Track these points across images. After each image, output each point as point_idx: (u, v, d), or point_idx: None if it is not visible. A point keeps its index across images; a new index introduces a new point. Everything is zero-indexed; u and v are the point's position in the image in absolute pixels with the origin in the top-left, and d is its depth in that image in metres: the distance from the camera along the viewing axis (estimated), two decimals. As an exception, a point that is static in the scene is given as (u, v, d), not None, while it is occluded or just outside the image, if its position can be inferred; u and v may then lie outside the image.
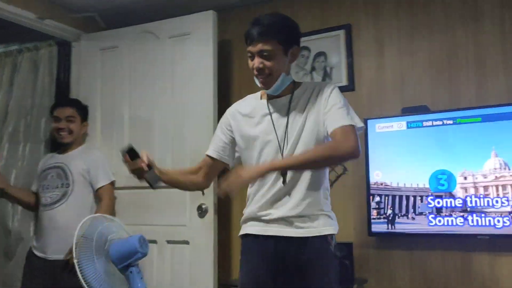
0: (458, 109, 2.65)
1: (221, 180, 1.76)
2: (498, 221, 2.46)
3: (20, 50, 3.60)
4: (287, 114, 1.84)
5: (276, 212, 1.81)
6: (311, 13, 3.19)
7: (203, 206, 2.97)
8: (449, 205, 2.58)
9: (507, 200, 2.46)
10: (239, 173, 1.69)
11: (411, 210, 2.67)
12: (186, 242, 3.01)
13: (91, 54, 3.44)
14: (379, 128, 2.78)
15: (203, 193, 1.99)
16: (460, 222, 2.54)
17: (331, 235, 1.84)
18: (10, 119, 3.51)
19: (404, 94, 2.89)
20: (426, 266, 2.73)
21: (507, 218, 2.44)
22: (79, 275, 2.09)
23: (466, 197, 2.55)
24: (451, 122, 2.62)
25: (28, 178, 3.23)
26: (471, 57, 2.75)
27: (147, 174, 1.85)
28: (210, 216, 2.95)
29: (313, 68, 3.16)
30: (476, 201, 2.52)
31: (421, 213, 2.64)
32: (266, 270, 1.81)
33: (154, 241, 3.05)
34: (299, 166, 1.75)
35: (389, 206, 2.71)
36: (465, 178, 2.56)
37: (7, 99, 3.57)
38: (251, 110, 1.91)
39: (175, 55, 3.19)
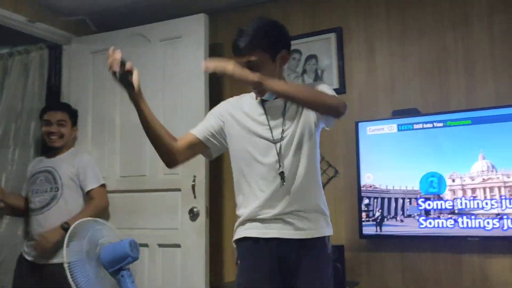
0: (448, 112, 2.67)
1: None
2: (488, 223, 2.48)
3: (11, 53, 3.58)
4: (283, 114, 1.85)
5: (273, 210, 1.80)
6: (303, 16, 3.21)
7: (195, 210, 2.96)
8: (439, 207, 2.60)
9: (496, 202, 2.48)
10: (229, 63, 1.68)
11: (399, 212, 2.68)
12: (178, 246, 3.00)
13: (82, 57, 3.43)
14: (370, 130, 2.80)
15: (168, 166, 1.91)
16: (451, 224, 2.56)
17: (328, 236, 1.86)
18: (0, 123, 3.49)
19: (395, 97, 2.91)
20: (417, 268, 2.75)
21: (497, 220, 2.46)
22: (70, 279, 2.08)
23: (454, 199, 2.57)
24: (441, 124, 2.64)
25: (18, 182, 3.21)
26: (460, 61, 2.78)
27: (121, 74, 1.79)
28: (202, 219, 2.95)
29: (304, 71, 3.17)
30: (466, 203, 2.54)
31: (409, 216, 2.66)
32: (267, 274, 1.79)
33: (146, 245, 3.03)
34: (287, 95, 1.75)
35: (377, 209, 2.72)
36: (453, 180, 2.58)
37: (-2, 103, 3.55)
38: (249, 109, 1.91)
39: (167, 58, 3.19)
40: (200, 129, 1.95)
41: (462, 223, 2.53)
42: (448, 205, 2.58)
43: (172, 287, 3.00)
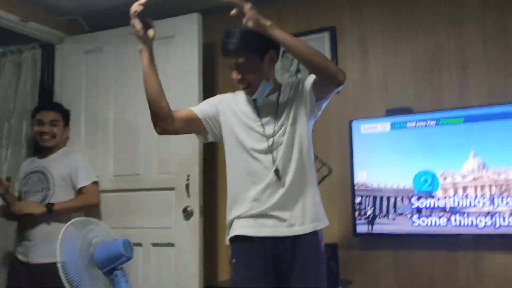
0: (441, 110, 2.68)
1: None
2: (481, 220, 2.49)
3: (3, 53, 3.56)
4: (275, 111, 1.87)
5: (265, 205, 1.81)
6: (296, 16, 3.21)
7: (189, 209, 2.96)
8: (432, 205, 2.61)
9: (489, 200, 2.49)
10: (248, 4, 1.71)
11: (391, 210, 2.69)
12: (172, 245, 2.99)
13: (75, 56, 3.41)
14: (364, 129, 2.81)
15: (159, 129, 1.88)
16: (444, 222, 2.57)
17: (322, 231, 1.88)
18: (-6, 123, 3.47)
19: (388, 95, 2.92)
20: (411, 266, 2.76)
21: (489, 217, 2.48)
22: (63, 279, 2.08)
23: (445, 197, 2.58)
24: (434, 123, 2.66)
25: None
26: (453, 59, 2.79)
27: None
28: (196, 218, 2.95)
29: (298, 70, 3.17)
30: (459, 202, 2.56)
31: (401, 214, 2.67)
32: (262, 272, 1.81)
33: (139, 244, 3.02)
34: (291, 47, 1.75)
35: (369, 207, 2.73)
36: (445, 178, 2.60)
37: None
38: (243, 105, 1.92)
39: (160, 57, 3.11)
40: (199, 109, 1.95)
41: (455, 221, 2.55)
42: (441, 203, 2.59)
43: (166, 286, 2.99)
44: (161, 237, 3.03)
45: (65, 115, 3.07)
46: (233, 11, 1.76)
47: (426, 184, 2.63)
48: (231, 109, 1.92)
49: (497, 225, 2.46)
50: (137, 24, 1.84)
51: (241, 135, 1.88)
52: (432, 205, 2.61)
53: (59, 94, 3.44)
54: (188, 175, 2.98)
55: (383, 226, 2.71)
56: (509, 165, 2.47)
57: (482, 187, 2.51)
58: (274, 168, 1.81)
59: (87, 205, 2.89)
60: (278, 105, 1.87)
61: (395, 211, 2.68)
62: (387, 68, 2.94)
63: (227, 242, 1.91)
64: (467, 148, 2.56)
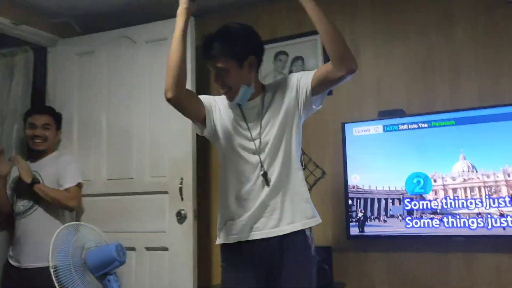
0: (433, 113, 2.69)
1: None
2: (473, 222, 2.51)
3: (-4, 56, 3.55)
4: (260, 114, 1.88)
5: (253, 205, 1.83)
6: (289, 18, 3.21)
7: (182, 212, 2.95)
8: (424, 207, 2.62)
9: (480, 202, 2.50)
10: None
11: (382, 213, 2.70)
12: (165, 249, 2.99)
13: (68, 59, 3.40)
14: (356, 131, 2.81)
15: (171, 94, 1.78)
16: (436, 224, 2.58)
17: (310, 231, 1.88)
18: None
19: (381, 98, 2.92)
20: (404, 268, 2.77)
21: (481, 219, 2.49)
22: (55, 284, 2.07)
23: (436, 199, 2.59)
24: (426, 125, 2.67)
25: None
26: (445, 61, 2.80)
27: None
28: (189, 222, 2.94)
29: (290, 72, 3.16)
30: (451, 203, 2.57)
31: (393, 216, 2.68)
32: (252, 275, 1.83)
33: (133, 248, 3.02)
34: (320, 18, 1.75)
35: (360, 209, 2.74)
36: (435, 180, 2.61)
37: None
38: (231, 108, 1.93)
39: (153, 60, 3.17)
40: (203, 98, 1.93)
41: (447, 222, 2.55)
42: (433, 205, 2.60)
43: (160, 290, 2.99)
44: (155, 241, 3.02)
45: (57, 118, 3.06)
46: None
47: (419, 186, 2.64)
48: (222, 110, 1.93)
49: (490, 226, 2.47)
50: None
51: (230, 136, 1.89)
52: (424, 207, 2.61)
53: (51, 97, 3.42)
54: (182, 179, 2.97)
55: (374, 228, 2.71)
56: (498, 168, 2.49)
57: (472, 189, 2.53)
58: (262, 172, 1.82)
59: (64, 204, 2.83)
60: (263, 107, 1.88)
61: (386, 213, 2.69)
62: (379, 71, 2.95)
63: (217, 242, 1.94)
64: (458, 150, 2.58)
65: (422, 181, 2.64)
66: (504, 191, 2.47)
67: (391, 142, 2.74)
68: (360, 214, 2.74)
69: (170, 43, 3.00)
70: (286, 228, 1.82)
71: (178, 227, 2.96)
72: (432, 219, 2.59)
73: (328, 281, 2.68)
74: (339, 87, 3.01)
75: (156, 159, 3.09)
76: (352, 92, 3.01)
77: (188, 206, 2.95)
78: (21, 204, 2.84)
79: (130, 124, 3.18)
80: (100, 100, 3.29)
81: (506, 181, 2.47)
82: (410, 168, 2.67)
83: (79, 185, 2.96)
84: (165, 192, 3.03)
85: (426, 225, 2.60)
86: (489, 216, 2.48)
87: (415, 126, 2.69)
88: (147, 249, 3.04)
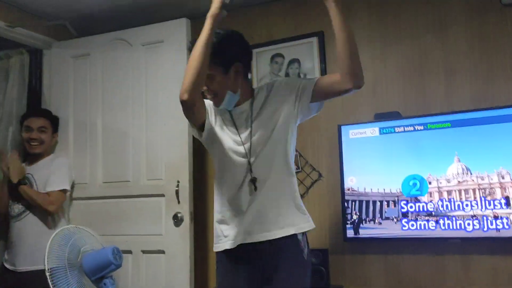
0: (429, 115, 2.70)
1: None
2: (469, 224, 2.51)
3: (-9, 58, 3.53)
4: (249, 119, 1.87)
5: (243, 209, 1.83)
6: (285, 21, 3.22)
7: (179, 215, 2.95)
8: (420, 209, 2.62)
9: (476, 204, 2.51)
10: None
11: (377, 215, 2.70)
12: (162, 252, 2.98)
13: (63, 62, 3.40)
14: (353, 134, 2.81)
15: (185, 95, 1.71)
16: (432, 226, 2.58)
17: (304, 235, 1.86)
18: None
19: (377, 100, 2.93)
20: (401, 270, 2.77)
21: (477, 221, 2.50)
22: (51, 287, 2.06)
23: (431, 201, 2.60)
24: (422, 127, 2.67)
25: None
26: (440, 64, 2.81)
27: None
28: (186, 224, 2.93)
29: (287, 74, 3.18)
30: (447, 205, 2.57)
31: (387, 218, 2.68)
32: (245, 277, 1.83)
33: (129, 251, 3.01)
34: (345, 28, 1.77)
35: (354, 212, 2.74)
36: (430, 182, 2.62)
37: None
38: (221, 113, 1.93)
39: (149, 62, 3.17)
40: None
41: (444, 224, 2.56)
42: (429, 207, 2.60)
43: (157, 293, 2.98)
44: (151, 244, 3.02)
45: (54, 121, 3.06)
46: None
47: (415, 188, 2.65)
48: (214, 114, 1.93)
49: (486, 228, 2.47)
50: None
51: (221, 140, 1.88)
52: (420, 209, 2.62)
53: (47, 99, 3.41)
54: (178, 181, 2.96)
55: (369, 230, 2.71)
56: (492, 170, 2.50)
57: (467, 191, 2.54)
58: (251, 177, 1.82)
59: (43, 208, 2.79)
60: (252, 112, 1.87)
61: (381, 216, 2.70)
62: (375, 73, 2.96)
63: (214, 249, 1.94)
64: (453, 152, 2.59)
65: (418, 183, 2.64)
66: (498, 193, 2.48)
67: (387, 144, 2.75)
68: (354, 217, 2.75)
69: (165, 47, 3.10)
70: (277, 233, 1.81)
71: (174, 230, 2.95)
72: (428, 221, 2.60)
73: (324, 283, 2.69)
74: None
75: (152, 162, 3.08)
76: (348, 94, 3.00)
77: (185, 209, 2.94)
78: (16, 207, 2.83)
79: (126, 126, 3.18)
80: (96, 102, 3.28)
81: (500, 183, 2.48)
82: (406, 170, 2.68)
83: (63, 191, 2.92)
84: (162, 195, 3.02)
85: (422, 227, 2.60)
86: (485, 218, 2.49)
87: (411, 128, 2.70)
88: (144, 252, 3.04)
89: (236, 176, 1.85)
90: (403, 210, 2.66)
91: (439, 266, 2.69)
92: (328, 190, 2.96)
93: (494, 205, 2.48)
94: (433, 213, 2.59)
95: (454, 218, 2.55)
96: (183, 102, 1.74)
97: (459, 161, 2.57)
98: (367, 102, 2.95)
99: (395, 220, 2.67)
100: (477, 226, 2.49)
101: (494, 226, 2.46)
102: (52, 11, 3.30)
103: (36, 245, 2.69)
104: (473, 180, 2.53)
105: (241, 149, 1.85)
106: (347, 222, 2.76)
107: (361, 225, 2.73)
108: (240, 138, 1.85)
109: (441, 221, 2.57)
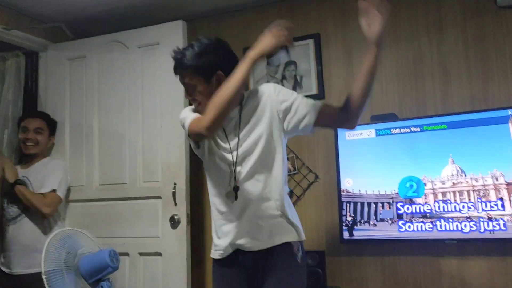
0: (425, 117, 2.71)
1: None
2: (465, 225, 2.52)
3: (-14, 61, 3.52)
4: (237, 126, 1.85)
5: (233, 217, 1.83)
6: (281, 23, 3.22)
7: (176, 217, 2.94)
8: (417, 210, 2.63)
9: (473, 205, 2.52)
10: None
11: (372, 217, 2.71)
12: (159, 254, 2.97)
13: (59, 64, 3.39)
14: (349, 136, 2.82)
15: (206, 132, 1.73)
16: (429, 228, 2.59)
17: (297, 242, 1.84)
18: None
19: (373, 102, 2.92)
20: (398, 272, 2.77)
21: (473, 222, 2.50)
22: (48, 290, 2.06)
23: (425, 203, 2.61)
24: (418, 129, 2.68)
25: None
26: (436, 66, 2.82)
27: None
28: (183, 227, 2.93)
29: (283, 77, 3.18)
30: (443, 207, 2.58)
31: (382, 220, 2.69)
32: (238, 283, 1.84)
33: (126, 254, 3.01)
34: (376, 74, 1.77)
35: (349, 213, 2.75)
36: (425, 184, 2.63)
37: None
38: None
39: (145, 64, 3.17)
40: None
41: (440, 226, 2.57)
42: (426, 208, 2.61)
43: (154, 295, 2.97)
44: (148, 246, 3.01)
45: (51, 124, 3.06)
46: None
47: (412, 190, 2.65)
48: None
49: (482, 229, 2.48)
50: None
51: (212, 147, 1.87)
52: (417, 210, 2.63)
53: (43, 102, 3.41)
54: (175, 184, 2.96)
55: (364, 232, 2.72)
56: (486, 172, 2.51)
57: (461, 193, 2.55)
58: (233, 186, 1.81)
59: (38, 209, 2.77)
60: (240, 120, 1.84)
61: (376, 217, 2.70)
62: (372, 75, 2.96)
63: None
64: (448, 154, 2.60)
65: (415, 185, 2.65)
66: (492, 195, 2.49)
67: (383, 146, 2.75)
68: (349, 218, 2.75)
69: (161, 49, 3.10)
70: (269, 242, 1.80)
71: (171, 232, 2.95)
72: (424, 223, 2.60)
73: (321, 285, 2.69)
74: (331, 91, 3.04)
75: (149, 164, 3.08)
76: (344, 96, 3.00)
77: (182, 211, 2.94)
78: (11, 210, 2.82)
79: (122, 129, 3.17)
80: (92, 105, 3.28)
81: (494, 185, 2.49)
82: (402, 172, 2.68)
83: (59, 193, 2.90)
84: (158, 197, 3.02)
85: (419, 228, 2.61)
86: (481, 219, 2.49)
87: (407, 130, 2.70)
88: (141, 254, 3.03)
89: (223, 184, 1.84)
90: (399, 211, 2.66)
91: (435, 267, 2.70)
92: (324, 192, 2.96)
93: (491, 207, 2.48)
94: (427, 214, 2.60)
95: (451, 220, 2.55)
96: (200, 135, 1.78)
97: (454, 162, 2.59)
98: (363, 104, 2.95)
99: (390, 221, 2.67)
100: (474, 228, 2.50)
101: (490, 228, 2.47)
102: (48, 13, 3.29)
103: (32, 248, 2.68)
104: (467, 182, 2.54)
105: (229, 156, 1.83)
106: (343, 223, 2.76)
107: (355, 227, 2.73)
108: (229, 145, 1.83)
109: (438, 223, 2.57)
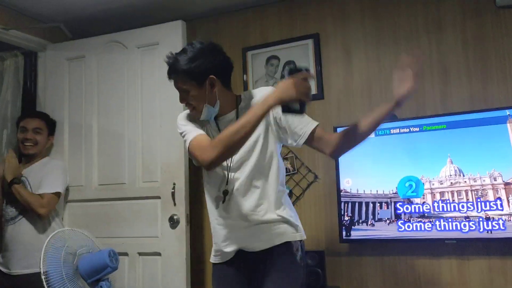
0: (424, 117, 2.71)
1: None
2: (465, 225, 2.52)
3: (-15, 61, 3.52)
4: None
5: (229, 219, 1.85)
6: (280, 23, 3.22)
7: (175, 217, 2.94)
8: (416, 210, 2.63)
9: (472, 205, 2.52)
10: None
11: (370, 216, 2.71)
12: (158, 254, 2.97)
13: (58, 64, 3.39)
14: (348, 135, 2.81)
15: (210, 167, 1.75)
16: (428, 228, 2.59)
17: (297, 242, 1.85)
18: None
19: (372, 101, 2.94)
20: (397, 271, 2.77)
21: (473, 222, 2.50)
22: (47, 290, 2.05)
23: (423, 203, 2.61)
24: (417, 129, 2.68)
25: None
26: (435, 65, 2.83)
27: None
28: (182, 227, 2.93)
29: (282, 77, 3.18)
30: (442, 207, 2.58)
31: (380, 220, 2.69)
32: (237, 283, 1.86)
33: (126, 254, 3.00)
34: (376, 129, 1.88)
35: (346, 213, 2.75)
36: (423, 184, 2.63)
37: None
38: (207, 122, 1.91)
39: (144, 65, 3.17)
40: (198, 129, 1.88)
41: (439, 226, 2.57)
42: (425, 208, 2.61)
43: (153, 295, 2.97)
44: (147, 246, 3.01)
45: (50, 124, 3.05)
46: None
47: (411, 190, 2.65)
48: (202, 125, 1.90)
49: (481, 229, 2.48)
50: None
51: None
52: (416, 210, 2.63)
53: (42, 102, 3.40)
54: (174, 184, 2.96)
55: (361, 232, 2.71)
56: (484, 172, 2.52)
57: (459, 193, 2.55)
58: (224, 189, 1.82)
59: (34, 210, 2.76)
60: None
61: (374, 217, 2.70)
62: (370, 74, 2.97)
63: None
64: (446, 154, 2.60)
65: (414, 185, 2.65)
66: (490, 195, 2.49)
67: (383, 146, 2.75)
68: (346, 218, 2.75)
69: (160, 49, 3.10)
70: (269, 242, 1.81)
71: (170, 232, 2.95)
72: (424, 222, 2.60)
73: (321, 285, 2.69)
74: (330, 91, 3.05)
75: (148, 164, 3.08)
76: (343, 96, 3.02)
77: (181, 211, 2.94)
78: (10, 211, 2.82)
79: (121, 129, 3.17)
80: (91, 105, 3.28)
81: (492, 185, 2.49)
82: (401, 172, 2.68)
83: (57, 194, 2.89)
84: (158, 197, 3.01)
85: (418, 228, 2.61)
86: (480, 219, 2.50)
87: (406, 130, 2.71)
88: (140, 254, 3.03)
89: (216, 188, 1.85)
90: (398, 211, 2.66)
91: (435, 267, 2.70)
92: (324, 192, 2.96)
93: (490, 207, 2.49)
94: (425, 214, 2.60)
95: (450, 220, 2.55)
96: (199, 164, 1.78)
97: (452, 162, 2.59)
98: (362, 103, 2.96)
99: (388, 221, 2.67)
100: (473, 227, 2.50)
101: (490, 227, 2.47)
102: (47, 13, 3.29)
103: (31, 248, 2.68)
104: (465, 182, 2.54)
105: (224, 163, 1.82)
106: (342, 224, 2.76)
107: (353, 227, 2.73)
108: None
109: (437, 223, 2.57)
